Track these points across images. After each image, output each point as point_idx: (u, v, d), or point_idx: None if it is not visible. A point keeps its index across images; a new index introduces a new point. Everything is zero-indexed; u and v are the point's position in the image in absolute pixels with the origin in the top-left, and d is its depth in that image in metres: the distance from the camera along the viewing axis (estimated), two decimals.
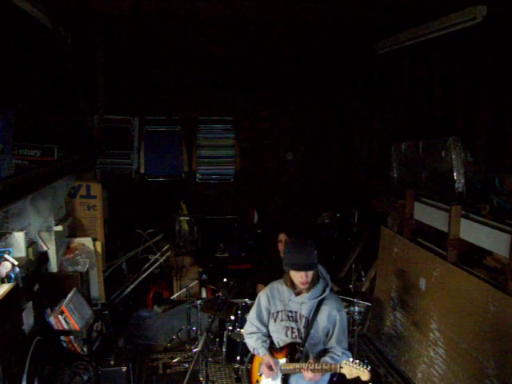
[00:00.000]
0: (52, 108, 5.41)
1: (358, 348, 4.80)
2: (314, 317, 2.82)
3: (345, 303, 4.38)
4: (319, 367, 2.70)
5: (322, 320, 2.82)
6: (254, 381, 3.11)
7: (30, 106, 4.71)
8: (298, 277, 2.75)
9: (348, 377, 2.66)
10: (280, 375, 2.89)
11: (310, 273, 2.74)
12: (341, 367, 2.66)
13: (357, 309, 4.36)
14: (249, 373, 3.22)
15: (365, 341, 5.25)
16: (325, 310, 2.82)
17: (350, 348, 4.39)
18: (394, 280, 4.87)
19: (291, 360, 2.85)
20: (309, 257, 2.71)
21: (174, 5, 3.78)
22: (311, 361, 2.75)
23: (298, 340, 2.87)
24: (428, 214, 4.43)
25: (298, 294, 2.85)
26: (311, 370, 2.71)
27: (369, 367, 2.62)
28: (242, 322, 4.13)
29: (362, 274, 5.41)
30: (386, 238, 5.14)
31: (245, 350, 3.85)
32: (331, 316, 2.82)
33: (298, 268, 2.72)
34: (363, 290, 5.38)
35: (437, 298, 4.09)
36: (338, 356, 2.78)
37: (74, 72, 4.50)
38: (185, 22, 4.37)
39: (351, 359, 2.68)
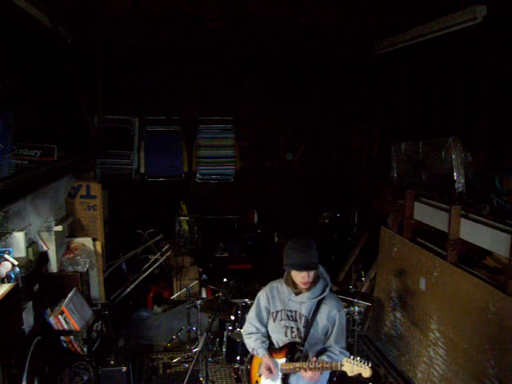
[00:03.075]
0: (52, 108, 5.42)
1: (358, 348, 4.79)
2: (314, 316, 2.82)
3: (345, 303, 4.38)
4: (320, 366, 2.71)
5: (322, 319, 2.82)
6: (254, 381, 3.10)
7: (29, 106, 4.72)
8: (300, 277, 2.75)
9: (349, 374, 2.66)
10: (280, 375, 2.89)
11: (312, 272, 2.74)
12: (342, 365, 2.66)
13: (357, 309, 4.36)
14: (248, 373, 3.21)
15: (365, 341, 5.25)
16: (324, 310, 2.82)
17: (350, 348, 4.40)
18: (394, 280, 4.87)
19: (291, 360, 2.85)
20: (310, 257, 2.71)
21: (174, 4, 3.78)
22: (313, 359, 2.75)
23: (298, 339, 2.87)
24: (428, 214, 4.43)
25: (297, 293, 2.85)
26: (311, 368, 2.71)
27: (370, 364, 2.62)
28: (242, 321, 4.13)
29: (362, 274, 5.41)
30: (386, 238, 5.14)
31: (245, 350, 3.83)
32: (331, 315, 2.82)
33: (300, 268, 2.71)
34: (363, 290, 5.39)
35: (437, 297, 4.09)
36: (336, 355, 2.78)
37: (73, 72, 4.50)
38: (185, 21, 4.38)
39: (352, 356, 2.67)
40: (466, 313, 3.67)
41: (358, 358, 2.64)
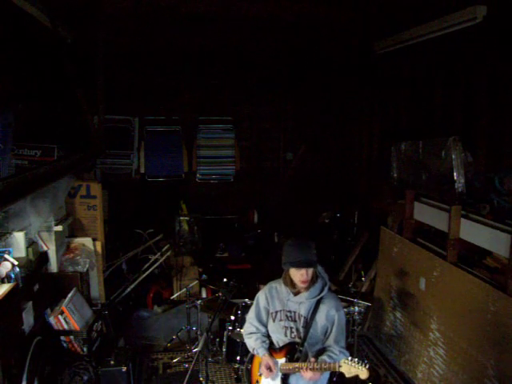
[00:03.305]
0: (52, 108, 5.41)
1: (358, 348, 4.79)
2: (313, 316, 2.82)
3: (345, 303, 4.38)
4: (318, 366, 2.71)
5: (321, 319, 2.82)
6: (254, 381, 3.11)
7: (29, 106, 4.72)
8: (299, 275, 2.74)
9: (347, 375, 2.66)
10: (280, 375, 2.89)
11: (311, 270, 2.74)
12: (339, 366, 2.66)
13: (357, 309, 4.36)
14: (249, 373, 3.22)
15: (365, 341, 5.25)
16: (323, 310, 2.82)
17: (350, 348, 4.40)
18: (394, 280, 4.87)
19: (290, 360, 2.85)
20: (309, 254, 2.71)
21: (174, 4, 3.78)
22: (312, 360, 2.75)
23: (297, 340, 2.87)
24: (428, 214, 4.43)
25: (296, 293, 2.86)
26: (310, 369, 2.71)
27: (367, 365, 2.61)
28: (242, 321, 4.13)
29: (362, 274, 5.40)
30: (386, 237, 5.14)
31: (245, 349, 3.84)
32: (329, 315, 2.82)
33: (299, 265, 2.71)
34: (363, 290, 5.38)
35: (437, 297, 4.09)
36: (336, 355, 2.78)
37: (73, 72, 4.50)
38: (184, 21, 4.38)
39: (350, 357, 2.68)
40: (466, 313, 3.67)
41: (356, 360, 2.64)
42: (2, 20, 3.66)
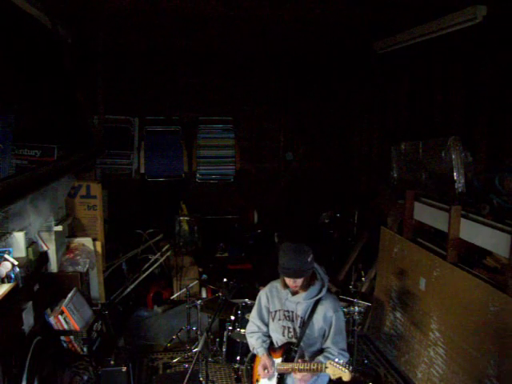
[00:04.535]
0: (52, 108, 5.41)
1: (358, 348, 4.79)
2: (310, 317, 2.83)
3: (345, 303, 4.39)
4: (307, 367, 2.71)
5: (318, 320, 2.83)
6: (255, 380, 3.12)
7: (29, 106, 4.71)
8: (288, 281, 2.79)
9: (332, 377, 2.67)
10: (276, 375, 2.91)
11: (300, 279, 2.75)
12: (326, 367, 2.66)
13: (357, 309, 4.37)
14: (250, 372, 3.23)
15: (365, 341, 5.25)
16: (321, 311, 2.83)
17: (350, 348, 4.40)
18: (394, 280, 4.87)
19: (286, 360, 2.87)
20: (300, 264, 2.70)
21: (173, 3, 3.78)
22: (299, 361, 2.77)
23: (294, 340, 2.88)
24: (428, 214, 4.43)
25: (294, 293, 2.87)
26: (301, 370, 2.72)
27: (351, 367, 2.61)
28: (242, 322, 4.14)
29: (362, 274, 5.40)
30: (386, 237, 5.14)
31: (245, 350, 3.85)
32: (327, 317, 2.82)
33: (288, 274, 2.75)
34: (363, 290, 5.38)
35: (437, 298, 4.10)
36: (333, 356, 2.78)
37: (73, 72, 4.50)
38: (184, 20, 4.37)
39: (336, 359, 2.68)
40: (466, 313, 3.67)
41: (341, 361, 2.65)
42: (2, 20, 3.66)
